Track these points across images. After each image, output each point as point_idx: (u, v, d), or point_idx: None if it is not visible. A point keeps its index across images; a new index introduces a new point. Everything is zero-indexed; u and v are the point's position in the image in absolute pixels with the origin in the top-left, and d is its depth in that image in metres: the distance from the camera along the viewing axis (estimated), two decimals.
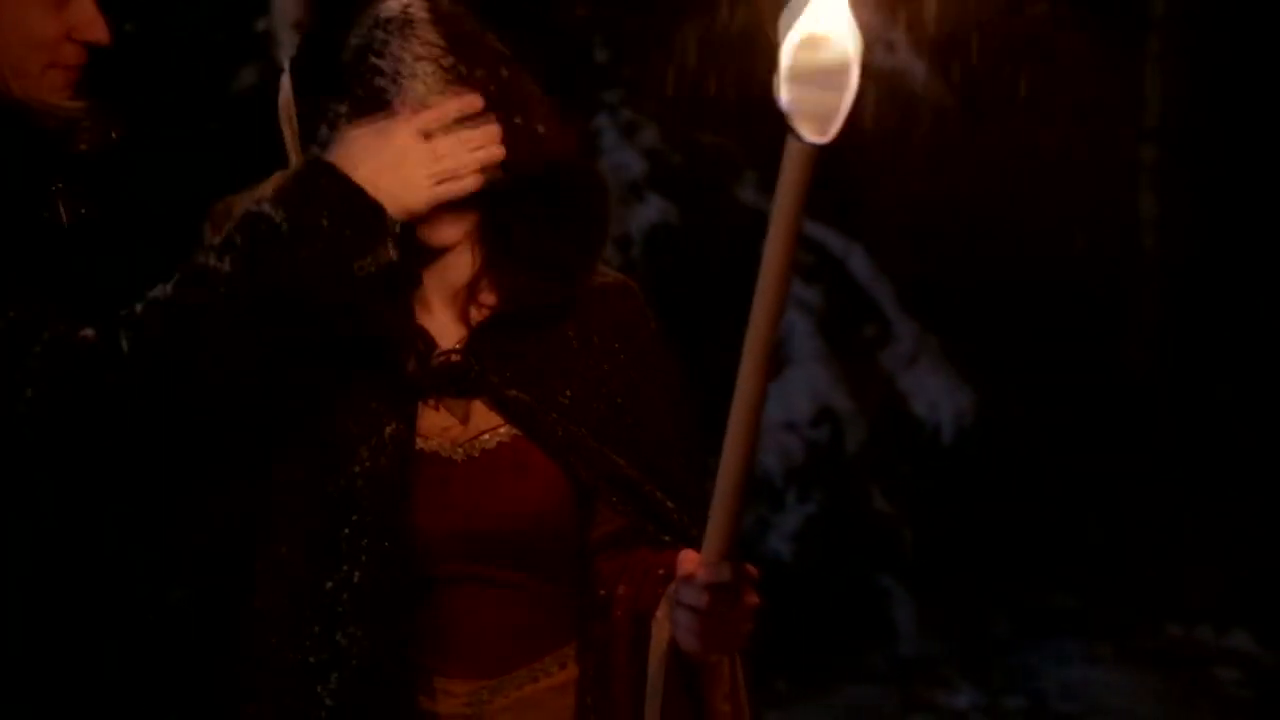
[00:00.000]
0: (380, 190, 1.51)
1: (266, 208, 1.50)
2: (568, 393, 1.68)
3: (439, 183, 1.55)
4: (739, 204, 5.11)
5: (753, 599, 1.46)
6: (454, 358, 1.66)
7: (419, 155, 1.53)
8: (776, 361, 5.24)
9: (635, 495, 1.67)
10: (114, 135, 1.64)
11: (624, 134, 5.24)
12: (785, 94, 1.15)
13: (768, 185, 5.13)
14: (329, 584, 1.61)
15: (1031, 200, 5.86)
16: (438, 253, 1.66)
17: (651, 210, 5.16)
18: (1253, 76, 6.44)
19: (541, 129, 1.62)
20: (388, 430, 1.63)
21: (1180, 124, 6.48)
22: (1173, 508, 6.07)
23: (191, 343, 1.47)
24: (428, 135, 1.55)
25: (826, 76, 1.15)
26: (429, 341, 1.67)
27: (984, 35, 5.27)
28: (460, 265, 1.68)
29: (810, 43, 1.15)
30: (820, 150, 1.18)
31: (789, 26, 1.16)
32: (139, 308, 1.49)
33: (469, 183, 1.57)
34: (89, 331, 1.48)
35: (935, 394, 5.18)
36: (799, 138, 1.17)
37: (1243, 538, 5.86)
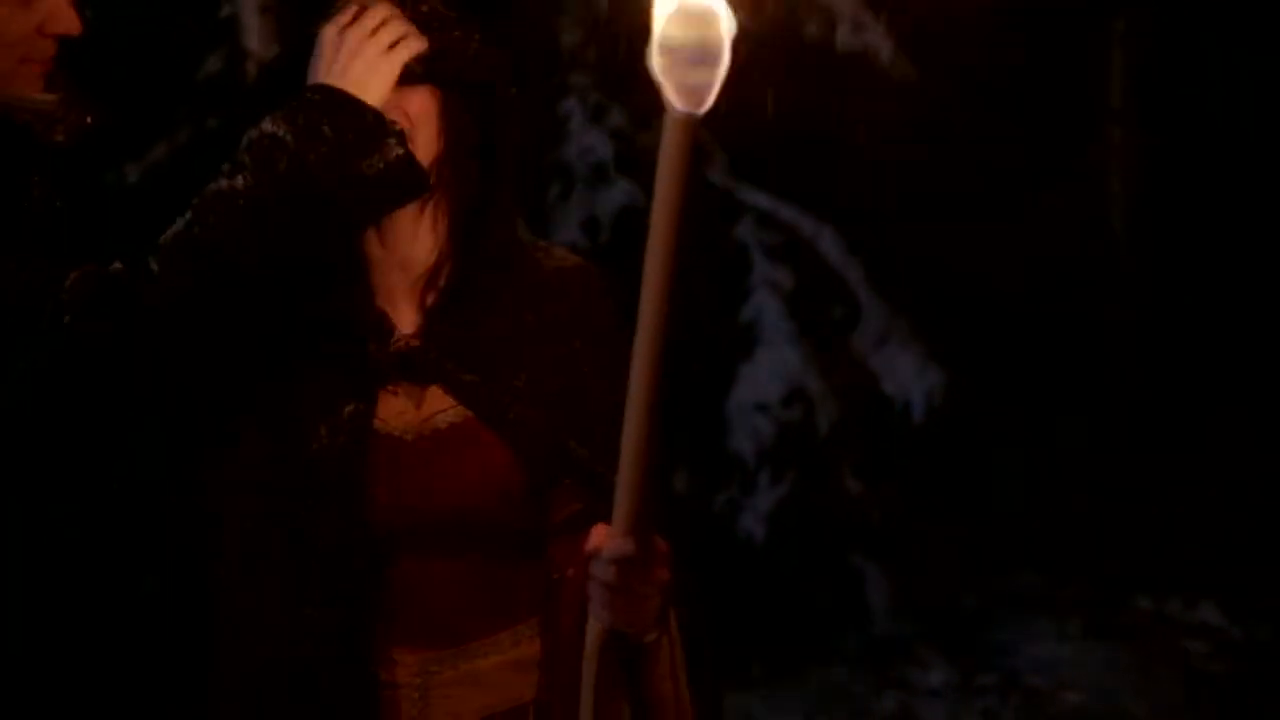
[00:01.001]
0: (353, 84, 1.58)
1: (268, 125, 1.55)
2: (522, 375, 1.70)
3: (389, 50, 1.61)
4: (709, 187, 5.12)
5: (662, 573, 1.45)
6: (412, 343, 1.69)
7: (358, 39, 1.60)
8: (745, 342, 5.24)
9: (589, 478, 1.69)
10: (88, 123, 1.65)
11: (592, 117, 5.22)
12: (658, 65, 1.16)
13: (738, 169, 5.14)
14: (292, 558, 1.65)
15: (1001, 180, 5.89)
16: (399, 239, 1.69)
17: (619, 193, 5.16)
18: (1217, 57, 6.48)
19: (474, 48, 1.69)
20: (346, 410, 1.67)
21: (1146, 104, 6.52)
22: (1142, 482, 6.12)
23: (216, 260, 1.50)
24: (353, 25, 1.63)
25: (700, 51, 1.15)
26: (388, 327, 1.69)
27: (951, 14, 5.28)
28: (421, 251, 1.71)
29: (683, 15, 1.15)
30: (696, 120, 1.17)
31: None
32: (163, 237, 1.52)
33: (415, 43, 1.63)
34: (117, 265, 1.52)
35: (905, 374, 5.20)
36: (674, 108, 1.16)
37: (1211, 511, 5.92)
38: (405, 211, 1.67)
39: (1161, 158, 6.62)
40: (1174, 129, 6.62)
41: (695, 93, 1.16)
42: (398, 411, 1.69)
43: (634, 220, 5.16)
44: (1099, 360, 6.62)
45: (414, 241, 1.70)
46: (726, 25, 1.15)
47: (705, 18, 1.15)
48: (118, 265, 1.51)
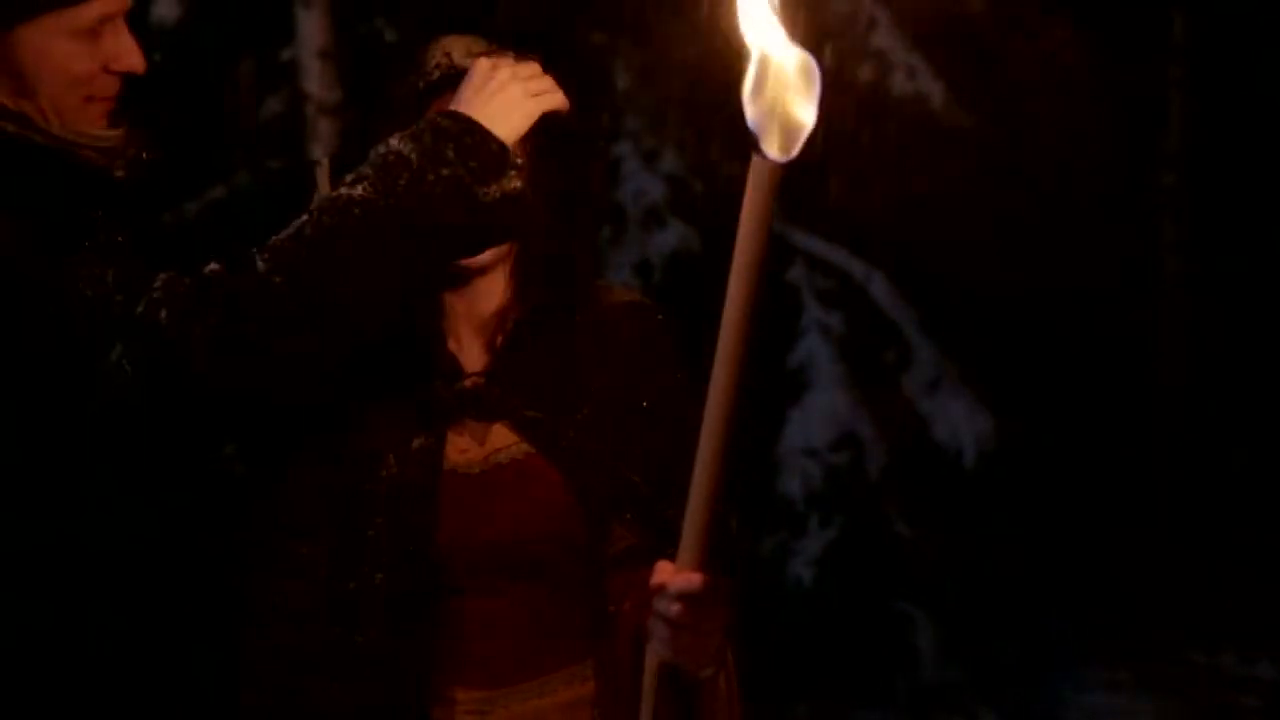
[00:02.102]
0: (490, 116, 1.61)
1: (395, 143, 1.58)
2: (584, 410, 1.72)
3: (534, 96, 1.64)
4: None
5: (725, 610, 1.46)
6: (478, 382, 1.71)
7: (507, 77, 1.64)
8: (796, 386, 5.23)
9: (648, 512, 1.70)
10: (147, 158, 1.68)
11: (645, 160, 5.26)
12: (751, 111, 1.18)
13: (787, 212, 5.15)
14: (351, 584, 1.66)
15: (1053, 226, 5.87)
16: (469, 280, 1.72)
17: (672, 236, 5.18)
18: (1274, 104, 6.44)
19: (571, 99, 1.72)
20: (416, 443, 1.69)
21: (1201, 150, 6.48)
22: (1198, 533, 6.05)
23: (322, 261, 1.53)
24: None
25: (794, 101, 1.18)
26: (457, 366, 1.72)
27: (1004, 60, 5.29)
28: (491, 293, 1.74)
29: (779, 66, 1.19)
30: (783, 167, 1.21)
31: (753, 42, 1.20)
32: (274, 239, 1.55)
33: (558, 99, 1.66)
34: (213, 266, 1.54)
35: (957, 419, 5.18)
36: (762, 154, 1.19)
37: (1269, 565, 5.84)
38: (487, 254, 1.69)
39: (1215, 203, 6.58)
40: (1228, 175, 6.58)
41: (786, 140, 1.19)
42: (462, 448, 1.71)
43: (686, 263, 5.19)
44: (1152, 408, 6.56)
45: (490, 285, 1.73)
46: (818, 78, 1.18)
47: (801, 69, 1.18)
48: (214, 266, 1.53)
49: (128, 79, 1.64)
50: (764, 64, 1.18)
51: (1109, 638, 5.35)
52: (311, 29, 4.99)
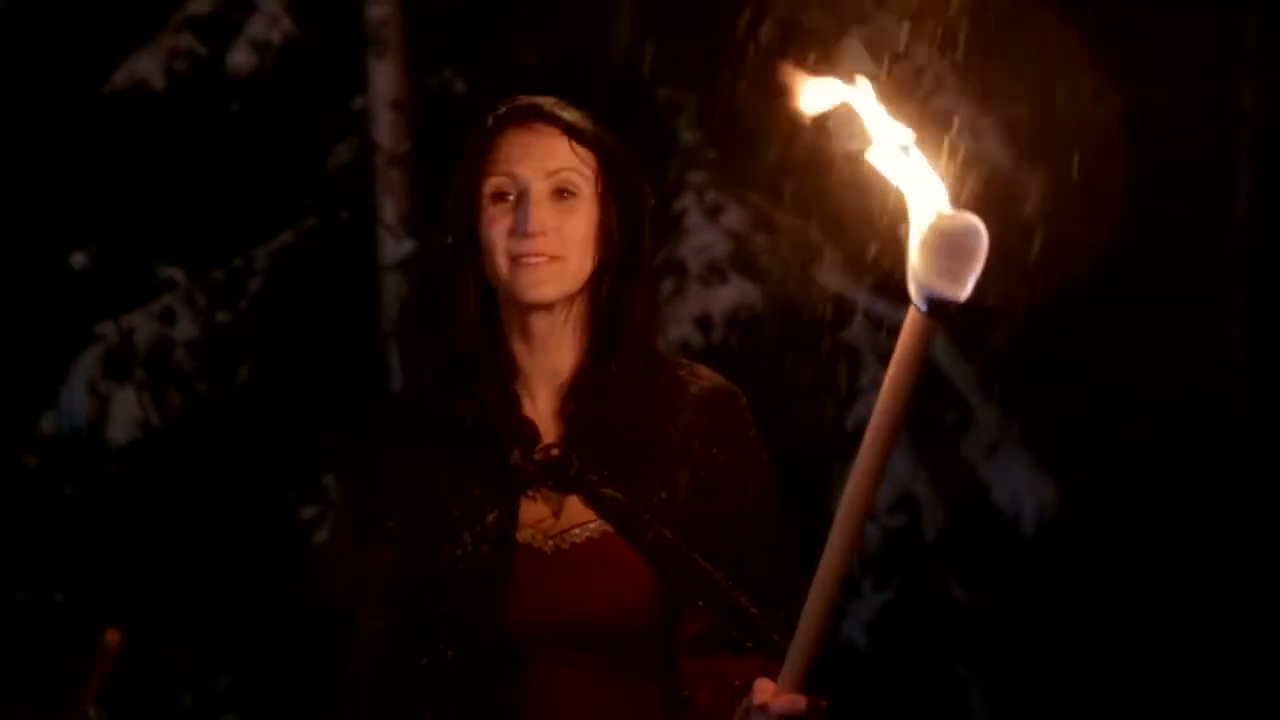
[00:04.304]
0: None
1: None
2: (662, 494, 1.71)
3: None
4: (819, 286, 5.13)
5: None
6: (554, 453, 1.70)
7: None
8: (853, 445, 5.21)
9: (720, 600, 1.69)
10: None
11: (708, 215, 5.28)
12: (916, 266, 1.23)
13: (848, 267, 5.14)
14: (424, 660, 1.66)
15: (1118, 290, 5.82)
16: (542, 343, 1.72)
17: (733, 292, 5.19)
18: None
19: (625, 158, 1.75)
20: (490, 518, 1.68)
21: (1272, 215, 6.42)
22: (1269, 601, 5.93)
23: None
24: None
25: (958, 264, 1.23)
26: (532, 434, 1.71)
27: (1069, 122, 5.27)
28: (563, 355, 1.73)
29: (951, 228, 1.23)
30: (936, 324, 1.25)
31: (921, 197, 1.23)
32: None
33: None
34: None
35: (1017, 483, 5.13)
36: (919, 307, 1.24)
37: None
38: (551, 319, 1.71)
39: None
40: None
41: (942, 300, 1.23)
42: (536, 519, 1.70)
43: (747, 319, 5.19)
44: (1223, 483, 6.46)
45: (558, 351, 1.73)
46: (984, 248, 1.22)
47: (971, 233, 1.23)
48: None
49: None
50: (932, 223, 1.22)
51: (1168, 703, 5.25)
52: (384, 79, 5.06)
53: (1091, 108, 5.33)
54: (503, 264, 1.69)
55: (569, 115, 1.72)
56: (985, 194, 5.08)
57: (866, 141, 1.26)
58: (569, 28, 5.19)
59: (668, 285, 5.20)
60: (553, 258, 1.68)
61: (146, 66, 5.21)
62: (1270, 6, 6.07)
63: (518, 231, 1.68)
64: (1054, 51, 5.16)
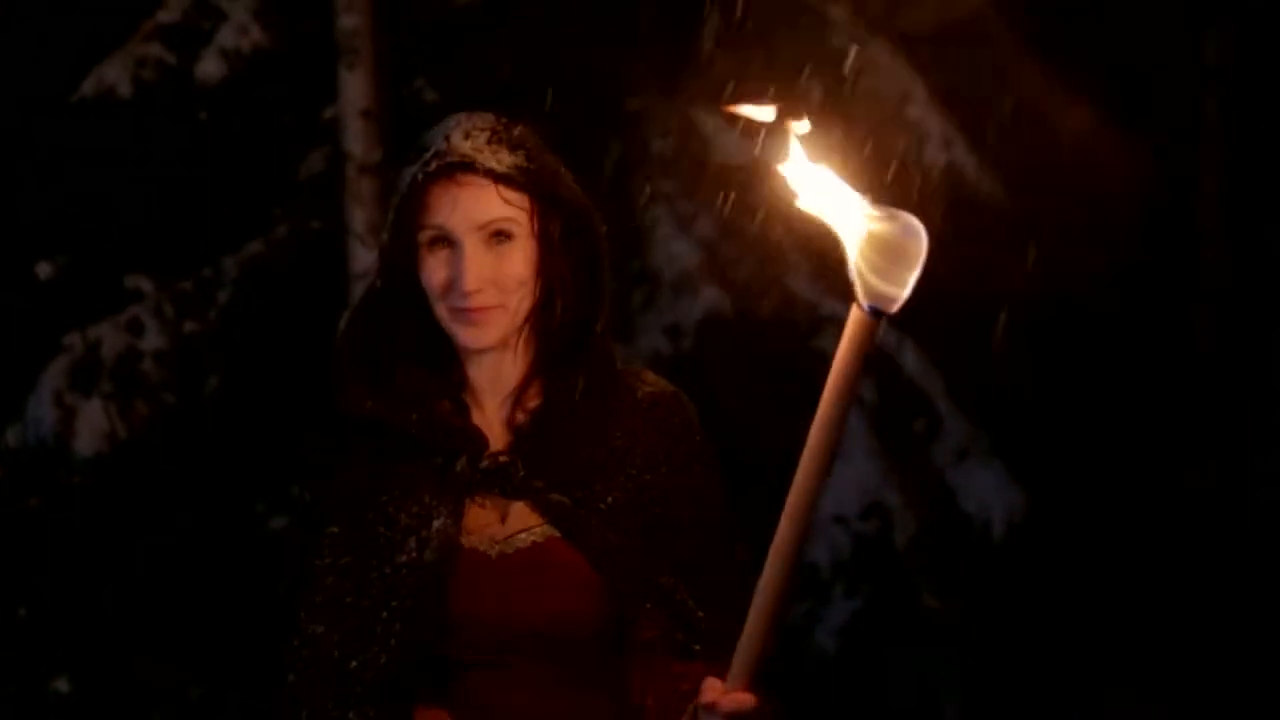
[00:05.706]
0: None
1: None
2: (609, 498, 1.72)
3: None
4: (791, 295, 5.15)
5: None
6: (501, 459, 1.72)
7: None
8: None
9: (668, 603, 1.70)
10: None
11: (679, 224, 5.29)
12: (858, 264, 1.24)
13: (820, 277, 5.16)
14: (353, 663, 1.67)
15: (1083, 300, 5.86)
16: (490, 354, 1.73)
17: (704, 301, 5.20)
18: None
19: (566, 173, 1.74)
20: (435, 524, 1.69)
21: (1237, 227, 6.48)
22: (1236, 606, 5.97)
23: None
24: None
25: (899, 262, 1.24)
26: (480, 442, 1.72)
27: (1038, 135, 5.31)
28: (511, 366, 1.74)
29: (889, 227, 1.25)
30: (879, 322, 1.26)
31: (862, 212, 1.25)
32: None
33: None
34: None
35: (986, 490, 5.16)
36: (862, 306, 1.25)
37: None
38: (499, 349, 1.72)
39: (1253, 281, 6.56)
40: (1265, 252, 6.56)
41: (887, 297, 1.24)
42: (483, 525, 1.70)
43: (718, 327, 5.20)
44: (1187, 488, 6.51)
45: (508, 366, 1.74)
46: (925, 244, 1.23)
47: (910, 232, 1.24)
48: None
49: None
50: (868, 226, 1.24)
51: (1142, 710, 5.28)
52: (355, 89, 5.05)
53: (1057, 118, 5.37)
54: (443, 313, 1.70)
55: (496, 161, 1.68)
56: (954, 202, 5.10)
57: (794, 195, 1.28)
58: (539, 38, 5.19)
59: (638, 295, 5.21)
60: (492, 308, 1.69)
61: (115, 75, 5.19)
62: (1228, 18, 6.14)
63: (455, 290, 1.68)
64: (1022, 64, 5.21)
